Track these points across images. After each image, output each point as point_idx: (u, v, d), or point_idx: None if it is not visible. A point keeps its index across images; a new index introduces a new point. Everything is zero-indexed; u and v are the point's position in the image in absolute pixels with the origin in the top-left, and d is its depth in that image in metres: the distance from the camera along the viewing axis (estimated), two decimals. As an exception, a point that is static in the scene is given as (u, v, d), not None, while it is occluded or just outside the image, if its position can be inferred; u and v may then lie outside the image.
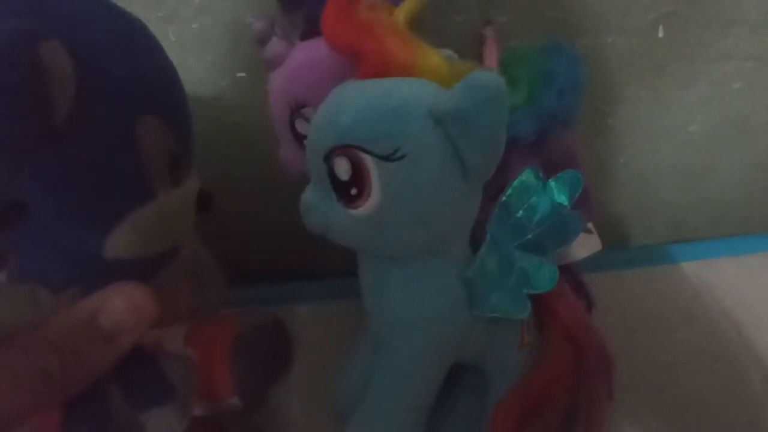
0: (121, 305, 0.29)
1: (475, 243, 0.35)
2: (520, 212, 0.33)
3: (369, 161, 0.29)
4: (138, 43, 0.32)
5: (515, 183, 0.33)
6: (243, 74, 0.50)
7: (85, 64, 0.26)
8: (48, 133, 0.25)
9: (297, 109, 0.40)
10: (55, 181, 0.27)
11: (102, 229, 0.29)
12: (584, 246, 0.40)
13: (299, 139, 0.41)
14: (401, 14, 0.34)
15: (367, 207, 0.30)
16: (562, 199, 0.32)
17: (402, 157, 0.29)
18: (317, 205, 0.33)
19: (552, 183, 0.32)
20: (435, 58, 0.32)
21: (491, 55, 0.40)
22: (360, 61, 0.32)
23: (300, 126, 0.41)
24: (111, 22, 0.30)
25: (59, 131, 0.26)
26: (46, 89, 0.24)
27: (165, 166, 0.32)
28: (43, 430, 0.33)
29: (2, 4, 0.26)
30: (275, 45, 0.41)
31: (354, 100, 0.31)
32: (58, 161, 0.26)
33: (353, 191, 0.30)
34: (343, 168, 0.30)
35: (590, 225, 0.41)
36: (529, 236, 0.33)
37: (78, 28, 0.27)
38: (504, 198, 0.33)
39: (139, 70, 0.30)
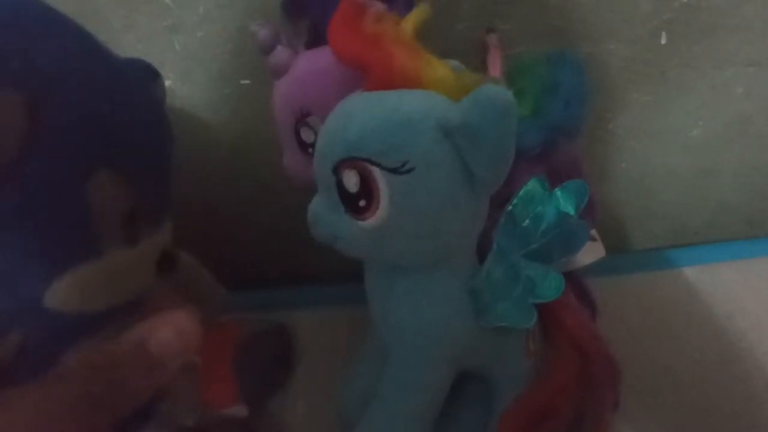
0: (170, 332, 0.28)
1: (482, 252, 0.35)
2: (527, 221, 0.33)
3: (378, 174, 0.29)
4: (118, 92, 0.30)
5: (521, 193, 0.33)
6: (247, 82, 0.51)
7: (42, 119, 0.25)
8: None
9: (302, 118, 0.40)
10: None
11: (42, 280, 0.28)
12: (589, 253, 0.40)
13: (304, 147, 0.41)
14: (408, 25, 0.34)
15: (375, 219, 0.30)
16: (569, 208, 0.32)
17: (411, 170, 0.29)
18: (325, 216, 0.33)
19: (558, 192, 0.32)
20: (442, 69, 0.32)
21: (495, 63, 0.40)
22: (367, 73, 0.32)
23: (305, 134, 0.41)
24: (89, 71, 0.29)
25: (1, 177, 0.25)
26: None
27: (117, 224, 0.31)
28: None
29: None
30: (280, 53, 0.41)
31: (362, 113, 0.31)
32: None
33: (362, 203, 0.30)
34: (351, 180, 0.30)
35: (594, 232, 0.41)
36: (535, 245, 0.33)
37: (46, 77, 0.26)
38: (510, 207, 0.33)
39: (108, 123, 0.29)
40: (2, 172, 0.25)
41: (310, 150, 0.39)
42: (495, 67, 0.40)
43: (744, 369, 0.50)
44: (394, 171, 0.29)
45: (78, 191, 0.28)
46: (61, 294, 0.29)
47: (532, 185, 0.33)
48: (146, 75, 0.35)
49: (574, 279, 0.41)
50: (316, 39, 0.41)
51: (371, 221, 0.31)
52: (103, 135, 0.29)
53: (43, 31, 0.27)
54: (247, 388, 0.44)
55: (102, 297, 0.31)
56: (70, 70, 0.28)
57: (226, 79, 0.50)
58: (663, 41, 0.52)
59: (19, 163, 0.25)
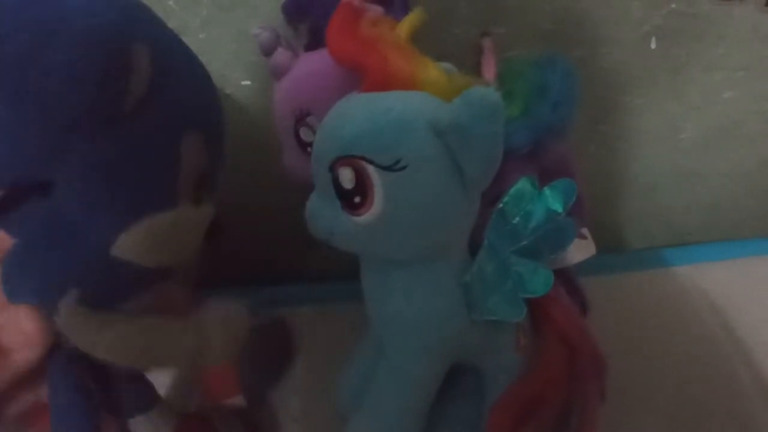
0: (16, 327, 0.30)
1: (473, 248, 0.36)
2: (517, 219, 0.34)
3: (372, 171, 0.31)
4: (197, 72, 0.35)
5: (511, 191, 0.34)
6: (248, 83, 0.52)
7: (159, 73, 0.29)
8: (112, 119, 0.28)
9: (301, 118, 0.41)
10: (95, 167, 0.28)
11: (119, 224, 0.30)
12: (579, 251, 0.41)
13: (303, 146, 0.42)
14: (403, 29, 0.35)
15: (370, 214, 0.32)
16: (557, 206, 0.33)
17: (404, 168, 0.30)
18: (322, 213, 0.34)
19: (547, 191, 0.33)
20: (435, 72, 0.33)
21: (489, 66, 0.41)
22: (363, 75, 0.33)
23: (304, 134, 0.42)
24: (181, 49, 0.34)
25: (119, 122, 0.28)
26: (126, 81, 0.28)
27: (193, 182, 0.34)
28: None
29: (101, 3, 0.29)
30: (280, 55, 0.42)
31: (358, 113, 0.32)
32: (107, 148, 0.28)
33: (357, 199, 0.32)
34: (347, 177, 0.31)
35: (584, 230, 0.42)
36: (525, 242, 0.34)
37: (160, 44, 0.31)
38: (501, 205, 0.34)
39: (196, 92, 0.33)
40: (125, 116, 0.28)
41: (309, 149, 0.40)
42: (489, 70, 0.41)
43: (733, 365, 0.51)
44: (387, 168, 0.30)
45: (175, 145, 0.31)
46: (134, 240, 0.31)
47: (522, 184, 0.33)
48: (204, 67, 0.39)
49: (565, 276, 0.42)
50: (316, 41, 0.42)
51: (366, 217, 0.32)
52: (196, 102, 0.33)
53: (152, 15, 0.33)
54: (247, 380, 0.45)
55: (163, 251, 0.33)
56: (176, 43, 0.34)
57: (227, 80, 0.52)
58: (653, 46, 0.53)
59: (140, 107, 0.29)
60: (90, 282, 0.31)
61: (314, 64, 0.41)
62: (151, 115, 0.29)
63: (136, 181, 0.30)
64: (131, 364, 0.33)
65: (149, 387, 0.38)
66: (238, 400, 0.45)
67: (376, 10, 0.38)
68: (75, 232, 0.30)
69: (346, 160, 0.31)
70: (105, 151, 0.28)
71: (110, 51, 0.27)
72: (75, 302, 0.30)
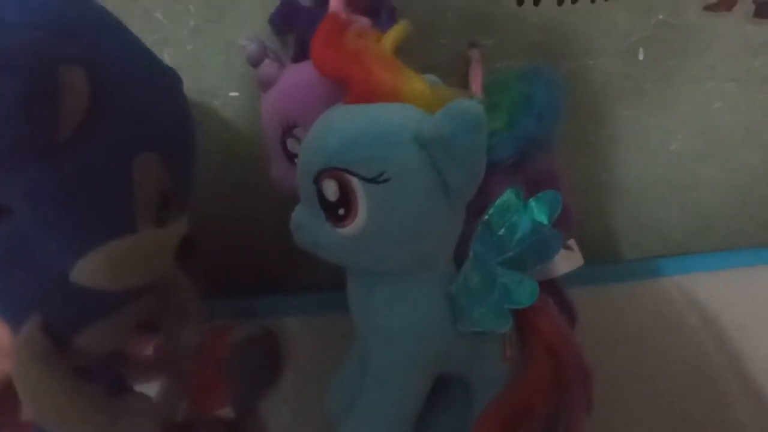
0: None
1: (459, 259, 0.36)
2: (502, 230, 0.34)
3: (356, 183, 0.31)
4: (159, 85, 0.33)
5: (497, 202, 0.34)
6: (236, 94, 0.52)
7: (101, 95, 0.28)
8: (46, 146, 0.27)
9: (288, 129, 0.41)
10: (41, 193, 0.28)
11: (76, 250, 0.30)
12: (566, 262, 0.41)
13: (290, 157, 0.42)
14: (388, 42, 0.35)
15: (354, 226, 0.32)
16: (542, 218, 0.33)
17: (387, 180, 0.30)
18: (307, 224, 0.34)
19: (532, 203, 0.33)
20: (419, 84, 0.33)
21: (476, 76, 0.41)
22: (348, 87, 0.33)
23: (291, 145, 0.42)
24: (138, 62, 0.32)
25: (58, 148, 0.27)
26: (56, 107, 0.26)
27: (153, 204, 0.33)
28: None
29: (38, 17, 0.27)
30: (267, 67, 0.42)
31: (342, 125, 0.32)
32: (49, 175, 0.27)
33: (341, 211, 0.32)
34: (331, 189, 0.31)
35: (572, 242, 0.42)
36: (511, 253, 0.33)
37: (105, 61, 0.29)
38: (486, 217, 0.34)
39: (152, 111, 0.32)
40: (62, 143, 0.27)
41: (296, 160, 0.40)
42: (477, 81, 0.41)
43: (723, 376, 0.51)
44: (371, 181, 0.30)
45: (125, 167, 0.30)
46: (92, 267, 0.30)
47: (507, 196, 0.33)
48: (175, 79, 0.37)
49: (553, 287, 0.42)
50: (303, 53, 0.42)
51: (350, 229, 0.32)
52: (150, 120, 0.32)
53: (104, 27, 0.31)
54: (236, 391, 0.45)
55: (126, 275, 0.32)
56: (125, 61, 0.31)
57: (215, 91, 0.52)
58: (641, 57, 0.53)
59: (78, 135, 0.27)
60: (53, 306, 0.31)
61: (301, 75, 0.41)
62: (95, 139, 0.28)
63: (87, 207, 0.29)
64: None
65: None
66: (226, 411, 0.45)
67: (363, 21, 0.39)
68: (34, 257, 0.30)
69: (330, 172, 0.31)
70: (47, 178, 0.27)
71: (33, 77, 0.25)
72: (36, 328, 0.30)
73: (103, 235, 0.30)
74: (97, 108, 0.28)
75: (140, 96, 0.31)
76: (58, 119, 0.26)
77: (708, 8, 0.51)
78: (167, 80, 0.35)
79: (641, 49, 0.53)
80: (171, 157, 0.33)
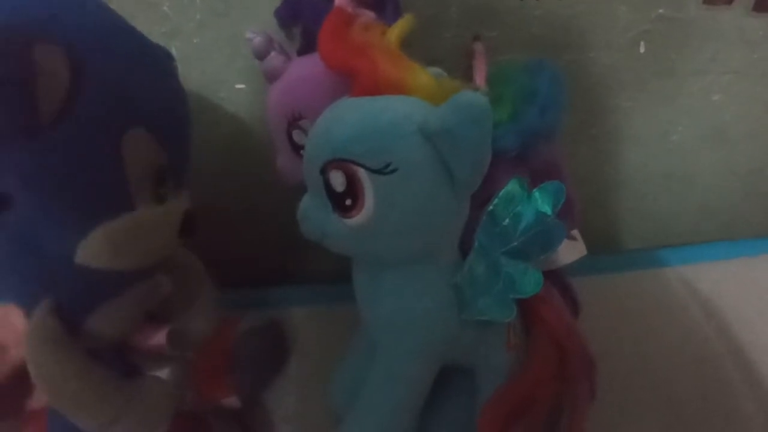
0: (8, 325, 0.31)
1: (464, 250, 0.37)
2: (506, 221, 0.34)
3: (363, 174, 0.31)
4: (146, 63, 0.33)
5: (501, 193, 0.34)
6: (242, 86, 0.52)
7: (84, 74, 0.28)
8: (31, 128, 0.27)
9: (294, 121, 0.42)
10: (36, 176, 0.28)
11: (76, 232, 0.30)
12: (569, 252, 0.42)
13: (296, 149, 0.43)
14: (393, 35, 0.36)
15: (360, 217, 0.32)
16: (546, 208, 0.33)
17: (394, 171, 0.31)
18: (314, 214, 0.34)
19: (536, 193, 0.34)
20: (424, 76, 0.34)
21: (480, 69, 0.41)
22: (354, 80, 0.34)
23: (297, 137, 0.42)
24: (122, 40, 0.32)
25: (43, 129, 0.27)
26: (33, 87, 0.26)
27: (149, 181, 0.33)
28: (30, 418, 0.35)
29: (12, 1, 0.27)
30: (273, 59, 0.43)
31: (348, 117, 0.32)
32: (40, 157, 0.27)
33: (348, 202, 0.32)
34: (338, 180, 0.32)
35: (575, 232, 0.43)
36: (515, 243, 0.34)
37: (86, 38, 0.29)
38: (491, 207, 0.34)
39: (139, 88, 0.31)
40: (47, 123, 0.27)
41: (302, 152, 0.40)
42: (480, 74, 0.41)
43: (724, 365, 0.52)
44: (378, 172, 0.31)
45: (113, 144, 0.30)
46: (94, 248, 0.30)
47: (511, 186, 0.34)
48: (167, 56, 0.37)
49: (557, 278, 0.43)
50: (309, 45, 0.43)
51: (357, 219, 0.32)
52: (135, 96, 0.31)
53: (86, 6, 0.31)
54: (242, 381, 0.46)
55: (130, 254, 0.32)
56: (109, 40, 0.31)
57: (221, 84, 0.52)
58: (642, 50, 0.54)
59: (63, 114, 0.27)
60: (63, 290, 0.31)
61: (307, 68, 0.41)
62: (81, 118, 0.28)
63: (82, 187, 0.29)
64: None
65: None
66: (232, 401, 0.45)
67: (369, 15, 0.39)
68: (40, 243, 0.30)
69: (337, 163, 0.32)
70: (38, 160, 0.27)
71: (2, 60, 0.25)
72: (46, 312, 0.31)
73: (101, 214, 0.30)
74: (80, 87, 0.28)
75: (125, 74, 0.31)
76: (37, 100, 0.26)
77: (708, 2, 0.52)
78: (155, 58, 0.34)
79: (642, 42, 0.53)
80: (162, 133, 0.33)
